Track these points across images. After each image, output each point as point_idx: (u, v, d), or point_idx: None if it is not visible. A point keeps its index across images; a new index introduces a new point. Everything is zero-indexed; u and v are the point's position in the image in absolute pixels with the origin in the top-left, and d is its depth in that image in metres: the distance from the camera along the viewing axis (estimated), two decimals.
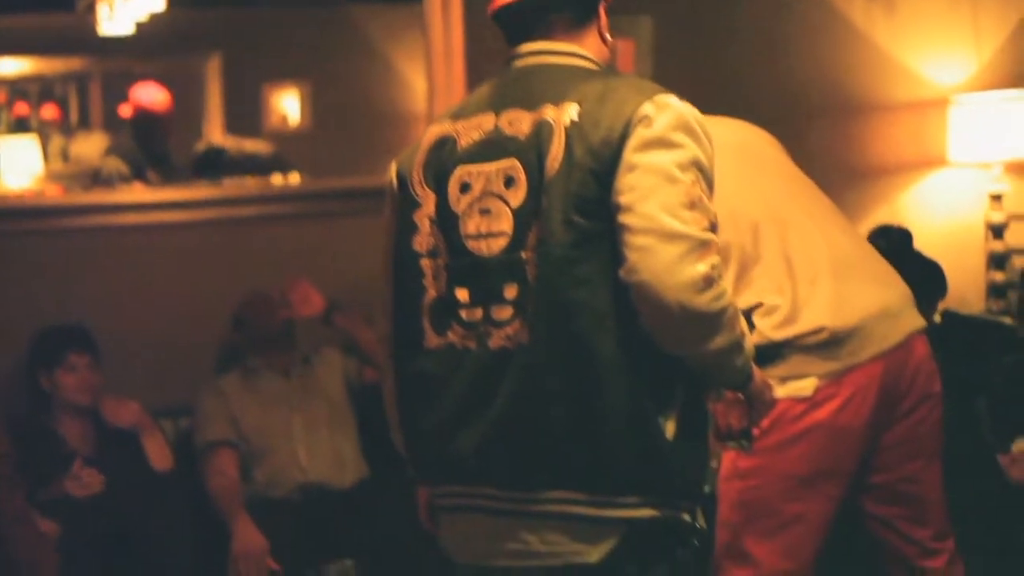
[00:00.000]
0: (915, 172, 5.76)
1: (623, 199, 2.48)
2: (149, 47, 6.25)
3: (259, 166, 6.06)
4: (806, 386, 3.15)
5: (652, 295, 2.43)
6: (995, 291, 5.63)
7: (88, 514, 4.35)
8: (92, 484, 4.38)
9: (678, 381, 2.56)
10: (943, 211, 5.77)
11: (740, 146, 3.40)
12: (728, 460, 3.24)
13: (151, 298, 5.15)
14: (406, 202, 2.72)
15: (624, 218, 2.47)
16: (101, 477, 4.38)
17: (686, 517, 2.60)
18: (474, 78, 5.31)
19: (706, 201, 2.49)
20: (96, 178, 6.13)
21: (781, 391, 3.08)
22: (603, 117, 2.53)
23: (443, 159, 2.69)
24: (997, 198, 5.60)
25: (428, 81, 5.57)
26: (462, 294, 2.63)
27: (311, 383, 4.94)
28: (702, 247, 2.44)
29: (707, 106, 2.81)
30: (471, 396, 2.61)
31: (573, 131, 2.54)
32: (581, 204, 2.52)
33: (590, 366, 2.51)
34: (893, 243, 4.59)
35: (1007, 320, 5.32)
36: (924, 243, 4.98)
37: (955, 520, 3.37)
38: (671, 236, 2.43)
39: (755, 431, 2.78)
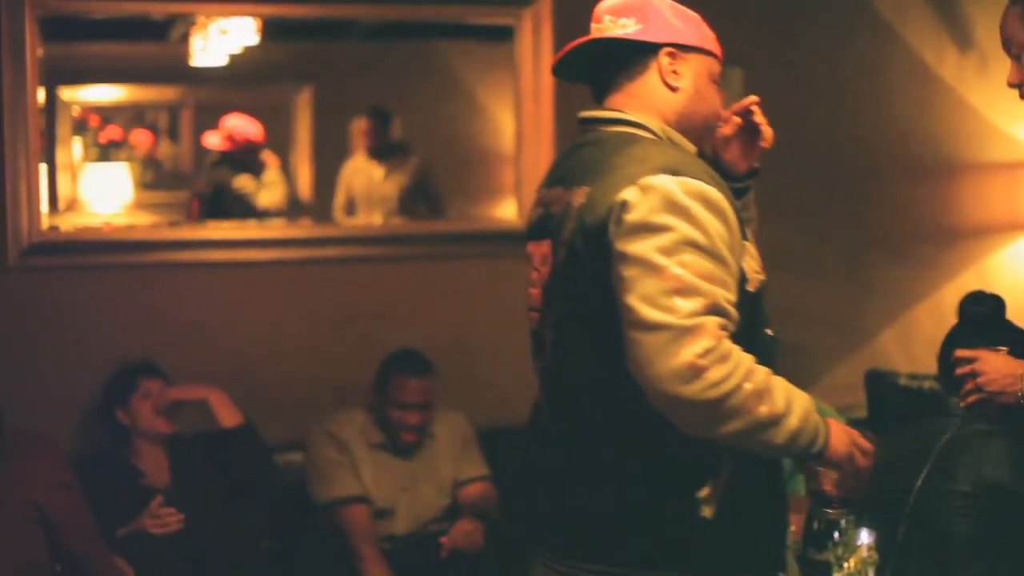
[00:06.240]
0: (1006, 235, 5.69)
1: (615, 290, 2.47)
2: (241, 78, 6.28)
3: None
4: None
5: (644, 386, 2.43)
6: None
7: (166, 550, 4.37)
8: (171, 523, 4.40)
9: (720, 454, 2.54)
10: None
11: None
12: None
13: (234, 337, 5.18)
14: None
15: (619, 310, 2.47)
16: (180, 516, 4.40)
17: None
18: (563, 121, 5.33)
19: (697, 282, 2.42)
20: (222, 193, 6.19)
21: None
22: (598, 200, 2.54)
23: (526, 232, 2.83)
24: None
25: (516, 122, 5.58)
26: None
27: (427, 463, 4.97)
28: (686, 334, 2.38)
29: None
30: (532, 462, 2.77)
31: (579, 215, 2.57)
32: (582, 291, 2.56)
33: (601, 448, 2.58)
34: (988, 310, 4.49)
35: None
36: (1011, 309, 4.90)
37: None
38: (651, 327, 2.40)
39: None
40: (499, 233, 5.64)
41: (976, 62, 5.77)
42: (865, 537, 4.04)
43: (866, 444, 2.67)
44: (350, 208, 6.55)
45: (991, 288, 4.02)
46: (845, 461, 2.62)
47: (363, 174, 6.73)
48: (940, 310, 5.68)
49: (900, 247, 5.91)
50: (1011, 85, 3.18)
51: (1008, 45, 3.16)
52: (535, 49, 5.54)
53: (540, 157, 5.53)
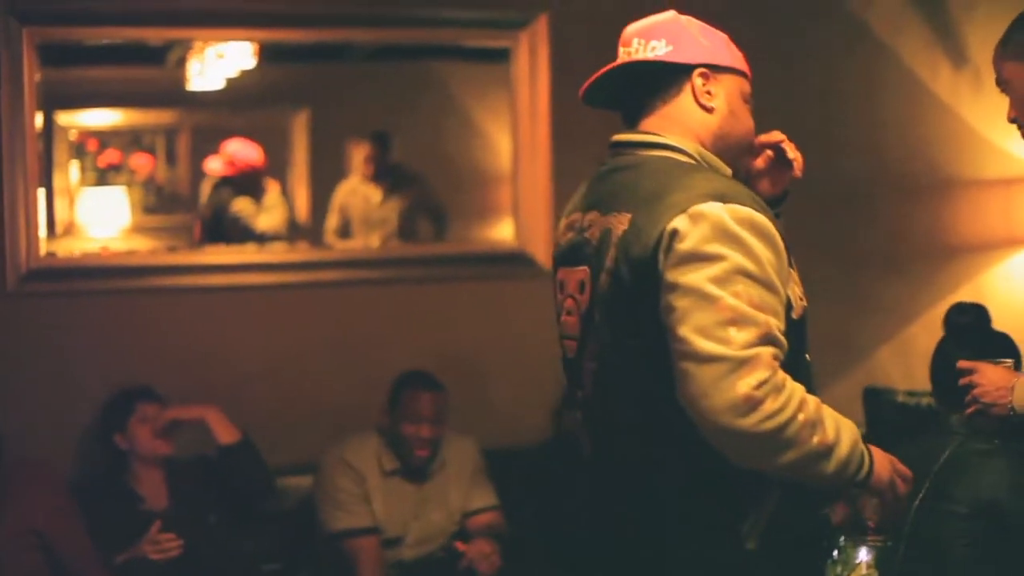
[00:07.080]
0: (1002, 250, 5.70)
1: (665, 320, 2.43)
2: (238, 102, 6.30)
3: None
4: None
5: (697, 418, 2.38)
6: None
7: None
8: (170, 548, 4.39)
9: (765, 485, 2.50)
10: None
11: None
12: None
13: (233, 362, 5.18)
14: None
15: (670, 341, 2.42)
16: (179, 542, 4.40)
17: None
18: (559, 142, 5.33)
19: (751, 312, 2.38)
20: (222, 217, 6.20)
21: None
22: (644, 228, 2.48)
23: (554, 256, 2.77)
24: None
25: (513, 143, 5.58)
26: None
27: (437, 488, 4.96)
28: (742, 366, 2.34)
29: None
30: (572, 492, 2.71)
31: (622, 243, 2.51)
32: (628, 321, 2.50)
33: (645, 479, 2.54)
34: (972, 319, 4.50)
35: None
36: (1008, 323, 4.91)
37: None
38: (706, 359, 2.35)
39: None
40: (496, 254, 5.65)
41: (970, 78, 5.78)
42: (864, 555, 4.04)
43: (906, 471, 2.64)
44: (344, 231, 6.58)
45: (987, 304, 4.03)
46: (887, 488, 2.60)
47: (360, 196, 6.74)
48: (937, 326, 5.60)
49: (896, 263, 5.91)
50: (1011, 120, 3.19)
51: (1000, 82, 3.18)
52: (531, 70, 5.55)
53: (537, 178, 5.53)
